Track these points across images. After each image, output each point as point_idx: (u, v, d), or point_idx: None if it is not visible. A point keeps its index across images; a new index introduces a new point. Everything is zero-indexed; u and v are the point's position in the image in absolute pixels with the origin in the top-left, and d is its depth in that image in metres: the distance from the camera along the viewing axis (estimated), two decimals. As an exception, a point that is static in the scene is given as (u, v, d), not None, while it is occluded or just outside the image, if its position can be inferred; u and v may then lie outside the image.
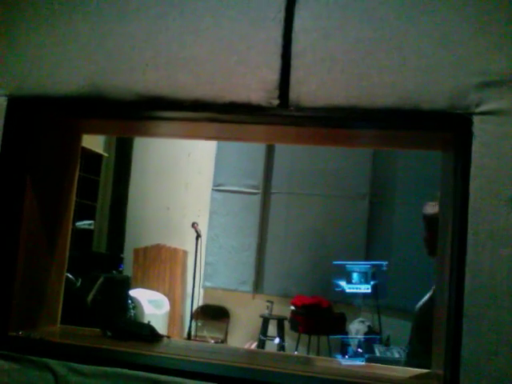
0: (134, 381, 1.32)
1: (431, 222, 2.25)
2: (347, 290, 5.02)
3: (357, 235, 5.42)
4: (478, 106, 1.21)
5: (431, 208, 2.26)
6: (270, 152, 5.90)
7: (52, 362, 1.38)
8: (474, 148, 1.20)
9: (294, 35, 1.31)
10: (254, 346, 5.29)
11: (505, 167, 1.18)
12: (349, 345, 4.90)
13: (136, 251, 6.32)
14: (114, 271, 5.66)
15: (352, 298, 5.16)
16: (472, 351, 1.16)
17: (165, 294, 5.97)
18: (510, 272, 1.16)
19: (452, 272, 1.23)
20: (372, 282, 5.00)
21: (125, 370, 1.33)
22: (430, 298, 2.33)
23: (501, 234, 1.17)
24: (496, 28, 1.21)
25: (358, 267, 5.03)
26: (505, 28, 1.21)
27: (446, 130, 1.30)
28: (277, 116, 1.35)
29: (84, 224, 6.02)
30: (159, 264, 6.21)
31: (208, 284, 5.91)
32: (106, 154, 6.35)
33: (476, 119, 1.21)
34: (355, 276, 5.02)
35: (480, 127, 1.20)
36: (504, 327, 1.15)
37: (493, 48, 1.21)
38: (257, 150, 5.90)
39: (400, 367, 1.61)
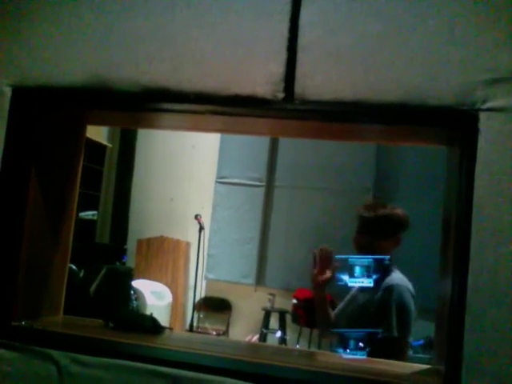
0: (136, 372, 1.32)
1: (365, 224, 2.27)
2: (349, 284, 5.01)
3: (360, 229, 5.41)
4: (484, 102, 1.20)
5: (367, 211, 2.28)
6: (273, 145, 5.89)
7: (54, 353, 1.39)
8: (479, 145, 1.19)
9: (300, 29, 1.30)
10: (255, 338, 5.30)
11: (510, 165, 1.17)
12: (350, 339, 4.91)
13: (139, 242, 6.33)
14: (117, 262, 5.67)
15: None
16: (474, 348, 1.16)
17: (167, 286, 5.98)
18: (513, 270, 1.16)
19: (455, 269, 1.22)
20: (374, 277, 4.99)
21: (127, 362, 1.34)
22: (345, 305, 2.35)
23: (504, 232, 1.17)
24: (505, 24, 1.20)
25: (360, 261, 5.01)
26: (513, 24, 1.20)
27: (452, 126, 1.29)
28: (281, 109, 1.34)
29: (87, 214, 6.03)
30: (162, 255, 6.22)
31: (210, 276, 5.92)
32: (109, 145, 6.35)
33: (482, 116, 1.20)
34: (357, 270, 5.01)
35: (486, 124, 1.19)
36: (506, 325, 1.15)
37: (501, 45, 1.20)
38: (261, 142, 5.89)
39: (401, 362, 1.61)
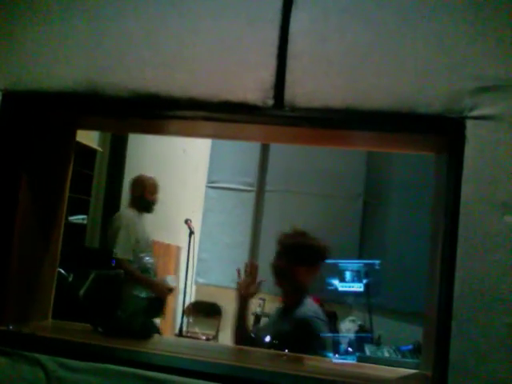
0: (125, 377, 1.32)
1: (283, 251, 2.31)
2: (340, 289, 5.02)
3: (350, 234, 5.44)
4: (471, 110, 1.22)
5: (286, 239, 2.32)
6: (265, 150, 5.90)
7: (42, 357, 1.38)
8: (466, 152, 1.21)
9: (290, 37, 1.32)
10: (245, 343, 5.29)
11: (497, 172, 1.19)
12: (340, 343, 4.91)
13: (129, 246, 6.29)
14: (107, 267, 5.63)
15: (344, 297, 5.17)
16: (461, 354, 1.17)
17: (157, 290, 5.95)
18: (500, 277, 1.17)
19: (442, 275, 1.24)
20: (365, 281, 5.00)
21: (115, 366, 1.33)
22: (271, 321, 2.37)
23: (492, 239, 1.18)
24: (492, 34, 1.22)
25: (350, 266, 5.04)
26: (501, 34, 1.22)
27: (440, 133, 1.30)
28: (271, 116, 1.35)
29: (77, 218, 5.98)
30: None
31: (200, 280, 5.91)
32: (100, 149, 6.32)
33: (469, 123, 1.22)
34: (348, 274, 5.03)
35: (473, 132, 1.21)
36: (493, 331, 1.16)
37: (488, 53, 1.22)
38: (252, 147, 5.90)
39: (389, 367, 1.62)
